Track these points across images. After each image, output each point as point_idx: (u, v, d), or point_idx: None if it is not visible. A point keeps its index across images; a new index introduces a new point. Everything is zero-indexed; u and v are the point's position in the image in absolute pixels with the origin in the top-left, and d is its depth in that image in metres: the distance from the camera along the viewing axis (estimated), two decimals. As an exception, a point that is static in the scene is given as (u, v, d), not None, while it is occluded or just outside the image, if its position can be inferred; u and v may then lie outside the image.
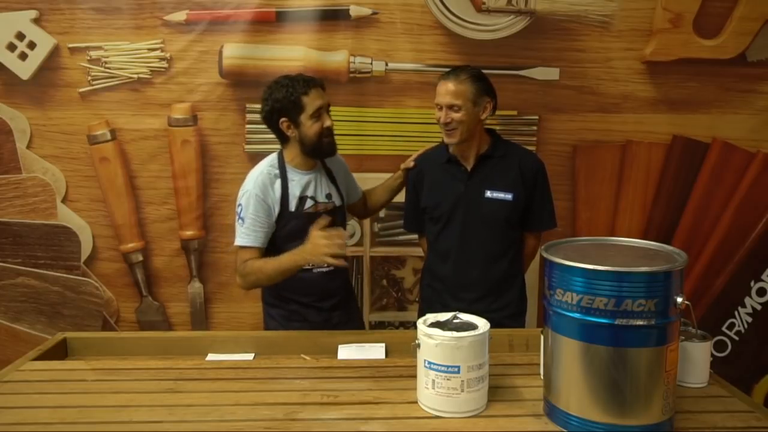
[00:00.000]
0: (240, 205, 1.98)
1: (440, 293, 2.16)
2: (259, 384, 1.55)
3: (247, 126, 2.74)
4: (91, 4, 2.65)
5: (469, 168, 2.11)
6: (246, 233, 1.96)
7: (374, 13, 2.67)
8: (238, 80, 2.70)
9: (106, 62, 2.69)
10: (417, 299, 2.79)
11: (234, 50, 2.68)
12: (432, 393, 1.35)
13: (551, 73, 2.71)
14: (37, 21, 2.66)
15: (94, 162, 2.76)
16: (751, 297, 2.88)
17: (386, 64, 2.70)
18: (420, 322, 1.40)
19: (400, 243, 2.85)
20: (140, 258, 2.82)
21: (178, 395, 1.48)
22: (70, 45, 2.68)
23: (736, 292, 2.87)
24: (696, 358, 1.50)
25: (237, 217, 1.98)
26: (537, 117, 2.75)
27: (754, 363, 2.91)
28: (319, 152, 2.03)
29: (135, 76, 2.70)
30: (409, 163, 2.25)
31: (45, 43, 2.67)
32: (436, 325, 1.38)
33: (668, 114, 2.75)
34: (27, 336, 2.84)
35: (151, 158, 2.76)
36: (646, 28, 2.68)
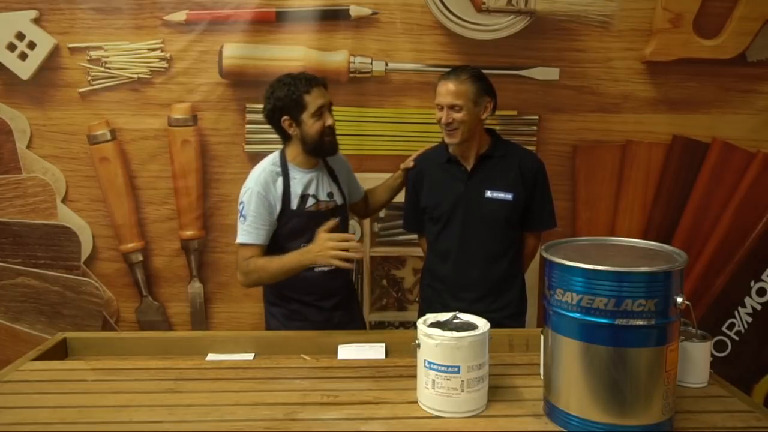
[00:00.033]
0: (242, 202, 1.98)
1: (440, 293, 2.16)
2: (259, 384, 1.55)
3: (247, 126, 2.74)
4: (91, 4, 2.65)
5: (469, 168, 2.11)
6: (248, 231, 1.97)
7: (374, 13, 2.67)
8: (238, 80, 2.71)
9: (106, 62, 2.69)
10: (417, 299, 2.79)
11: (234, 50, 2.68)
12: (432, 393, 1.35)
13: (551, 73, 2.71)
14: (37, 21, 2.66)
15: (94, 162, 2.76)
16: (751, 297, 2.88)
17: (386, 64, 2.70)
18: (420, 322, 1.40)
19: (400, 243, 2.85)
20: (140, 258, 2.82)
21: (178, 395, 1.48)
22: (70, 45, 2.68)
23: (736, 292, 2.87)
24: (696, 358, 1.50)
25: (239, 215, 1.99)
26: (537, 117, 2.75)
27: (754, 363, 2.91)
28: (321, 151, 2.03)
29: (135, 76, 2.70)
30: (409, 163, 2.25)
31: (45, 43, 2.67)
32: (436, 325, 1.38)
33: (668, 114, 2.75)
34: (27, 336, 2.84)
35: (151, 158, 2.76)
36: (646, 28, 2.68)
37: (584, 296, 1.24)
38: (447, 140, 2.06)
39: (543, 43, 2.69)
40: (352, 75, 2.70)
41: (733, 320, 2.89)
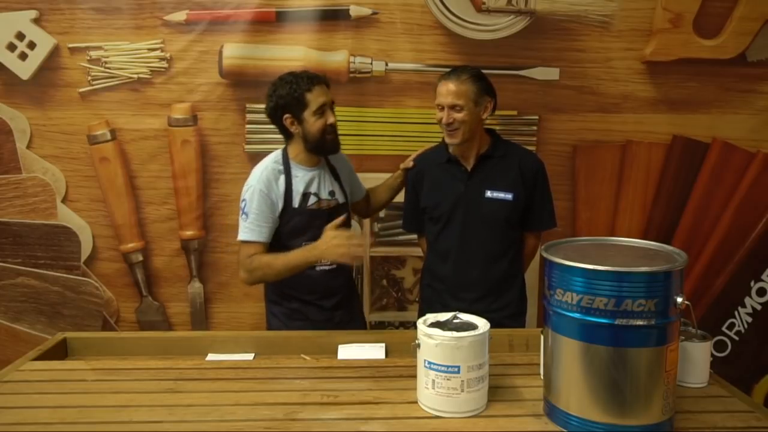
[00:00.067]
0: (244, 200, 1.98)
1: (440, 293, 2.16)
2: (259, 384, 1.55)
3: (247, 126, 2.74)
4: (91, 4, 2.65)
5: (469, 168, 2.11)
6: (250, 228, 1.97)
7: (374, 13, 2.67)
8: (238, 80, 2.70)
9: (106, 62, 2.69)
10: (417, 299, 2.78)
11: (234, 50, 2.68)
12: (432, 393, 1.35)
13: (551, 73, 2.71)
14: (37, 21, 2.66)
15: (94, 162, 2.76)
16: (751, 297, 2.88)
17: (386, 64, 2.70)
18: (420, 322, 1.40)
19: (400, 243, 2.85)
20: (140, 258, 2.82)
21: (178, 395, 1.48)
22: (70, 45, 2.68)
23: (736, 292, 2.87)
24: (696, 358, 1.50)
25: (241, 212, 1.99)
26: (537, 117, 2.75)
27: (754, 363, 2.91)
28: (323, 149, 2.03)
29: (135, 76, 2.70)
30: (408, 162, 2.25)
31: (45, 43, 2.67)
32: (436, 325, 1.38)
33: (668, 114, 2.75)
34: (27, 336, 2.84)
35: (151, 158, 2.76)
36: (646, 28, 2.68)
37: (584, 296, 1.24)
38: (448, 140, 2.06)
39: (543, 43, 2.69)
40: (352, 75, 2.70)
41: (733, 320, 2.89)
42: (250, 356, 1.83)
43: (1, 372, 1.62)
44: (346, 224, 2.04)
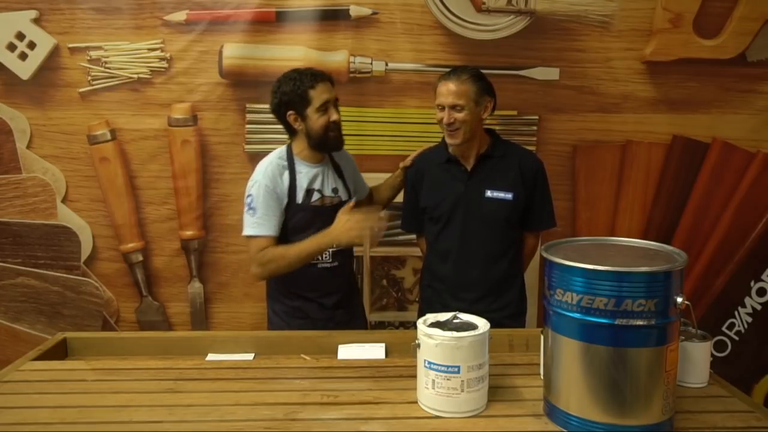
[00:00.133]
0: (250, 195, 1.98)
1: (440, 293, 2.16)
2: (259, 384, 1.55)
3: (247, 126, 2.74)
4: (91, 4, 2.65)
5: (469, 168, 2.11)
6: (259, 222, 1.97)
7: (374, 13, 2.67)
8: (238, 80, 2.70)
9: (106, 62, 2.69)
10: (417, 299, 2.78)
11: (234, 50, 2.68)
12: (432, 393, 1.35)
13: (551, 73, 2.71)
14: (37, 21, 2.66)
15: (94, 162, 2.76)
16: (751, 297, 2.88)
17: (386, 64, 2.70)
18: (420, 322, 1.40)
19: (400, 243, 2.85)
20: (140, 258, 2.82)
21: (178, 395, 1.48)
22: (70, 45, 2.68)
23: (736, 292, 2.87)
24: (696, 358, 1.50)
25: (247, 208, 1.99)
26: (537, 117, 2.75)
27: (754, 363, 2.91)
28: (326, 146, 2.04)
29: (135, 76, 2.70)
30: (408, 161, 2.25)
31: (45, 43, 2.67)
32: (436, 325, 1.38)
33: (668, 114, 2.75)
34: (27, 336, 2.84)
35: (151, 158, 2.76)
36: (646, 28, 2.68)
37: (584, 296, 1.24)
38: (449, 141, 2.06)
39: (543, 43, 2.69)
40: (352, 75, 2.70)
41: (733, 320, 2.89)
42: (250, 356, 1.83)
43: (1, 372, 1.62)
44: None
